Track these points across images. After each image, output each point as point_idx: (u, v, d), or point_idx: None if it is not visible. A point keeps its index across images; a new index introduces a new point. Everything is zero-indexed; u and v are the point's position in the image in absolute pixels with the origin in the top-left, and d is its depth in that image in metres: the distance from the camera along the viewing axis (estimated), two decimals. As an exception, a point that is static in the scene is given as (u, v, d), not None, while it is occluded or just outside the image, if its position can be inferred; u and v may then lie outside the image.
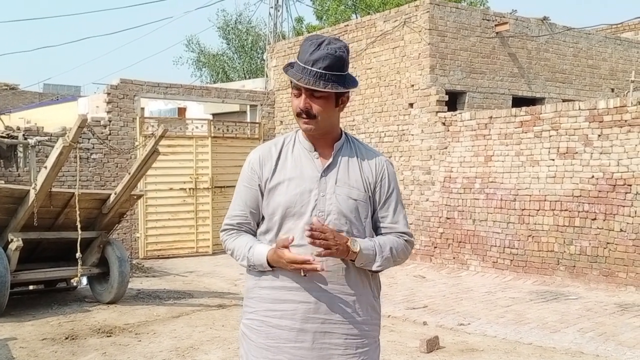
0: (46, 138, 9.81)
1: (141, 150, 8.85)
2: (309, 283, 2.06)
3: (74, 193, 6.75)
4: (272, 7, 20.79)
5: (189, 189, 11.62)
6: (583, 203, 7.99)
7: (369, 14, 19.03)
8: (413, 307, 7.02)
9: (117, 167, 11.05)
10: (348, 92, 2.12)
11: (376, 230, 2.19)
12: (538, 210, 8.49)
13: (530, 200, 8.59)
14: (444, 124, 9.75)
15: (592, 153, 7.93)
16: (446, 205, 9.71)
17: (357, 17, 22.89)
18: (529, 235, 8.58)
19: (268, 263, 2.07)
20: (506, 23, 10.64)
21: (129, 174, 7.09)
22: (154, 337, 5.77)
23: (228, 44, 28.56)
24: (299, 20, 27.48)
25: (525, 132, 8.68)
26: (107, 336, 5.81)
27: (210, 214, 11.73)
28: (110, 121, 11.10)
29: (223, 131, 12.20)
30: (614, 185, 7.69)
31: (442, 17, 10.09)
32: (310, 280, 2.06)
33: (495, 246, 8.99)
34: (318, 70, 2.02)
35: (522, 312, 6.71)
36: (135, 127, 11.23)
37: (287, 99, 12.92)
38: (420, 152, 10.13)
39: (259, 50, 26.95)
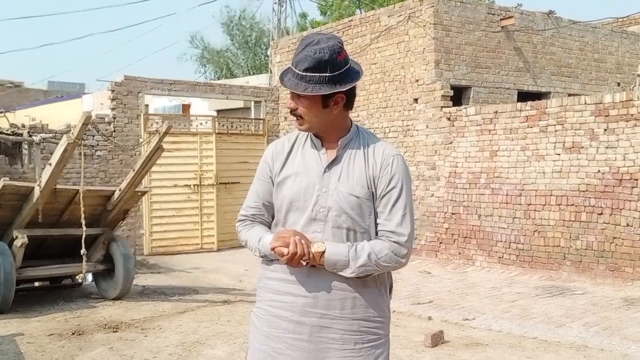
0: (51, 135, 9.83)
1: (145, 146, 8.87)
2: (309, 277, 2.08)
3: (78, 190, 6.76)
4: (275, 3, 20.77)
5: (194, 185, 11.63)
6: (589, 198, 7.96)
7: (373, 8, 18.98)
8: (418, 302, 7.02)
9: (121, 163, 11.07)
10: (337, 92, 2.05)
11: (376, 226, 2.16)
12: (544, 205, 8.46)
13: (536, 195, 8.55)
14: (449, 119, 9.72)
15: (598, 147, 7.89)
16: (451, 200, 9.69)
17: (361, 12, 22.83)
18: (535, 231, 8.55)
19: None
20: (511, 17, 10.58)
21: (134, 170, 7.10)
22: (160, 333, 5.78)
23: (232, 40, 28.58)
24: (303, 15, 27.48)
25: (531, 127, 8.64)
26: (114, 331, 5.83)
27: (215, 210, 11.74)
28: (114, 118, 11.11)
29: (227, 127, 12.20)
30: (620, 180, 7.65)
31: (446, 12, 10.05)
32: (311, 274, 2.08)
33: (501, 241, 8.97)
34: (299, 72, 2.03)
35: (527, 307, 6.69)
36: (139, 124, 11.24)
37: (291, 94, 12.90)
38: (425, 147, 10.10)
39: (263, 46, 26.95)
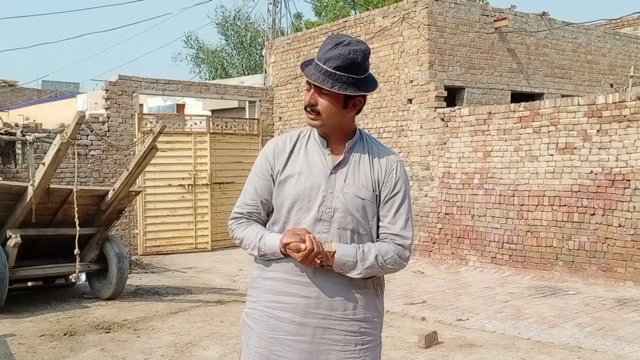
0: (44, 135, 9.80)
1: (140, 146, 8.84)
2: (313, 278, 2.07)
3: (72, 189, 6.74)
4: (270, 3, 20.76)
5: (188, 185, 11.61)
6: (582, 198, 7.99)
7: (367, 9, 19.00)
8: (412, 303, 7.03)
9: (115, 163, 11.04)
10: (360, 95, 2.10)
11: (377, 229, 2.17)
12: (537, 205, 8.49)
13: (529, 196, 8.59)
14: (442, 119, 9.74)
15: (591, 148, 7.93)
16: (445, 200, 9.71)
17: (355, 13, 22.85)
18: (528, 231, 8.58)
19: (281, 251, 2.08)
20: (505, 18, 10.61)
21: (128, 170, 7.08)
22: (153, 333, 5.77)
23: (227, 40, 28.52)
24: (298, 16, 27.46)
25: (524, 128, 8.67)
26: (106, 332, 5.81)
27: (209, 210, 11.73)
28: (108, 117, 11.08)
29: (222, 127, 12.19)
30: (613, 181, 7.69)
31: (440, 13, 10.07)
32: (314, 275, 2.06)
33: (494, 241, 9.00)
34: (328, 68, 2.03)
35: (520, 307, 6.71)
36: (133, 124, 11.22)
37: (285, 95, 12.90)
38: (419, 147, 10.12)
39: (258, 47, 26.91)
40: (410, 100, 10.28)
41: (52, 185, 6.79)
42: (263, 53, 15.84)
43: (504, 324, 6.04)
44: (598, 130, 7.85)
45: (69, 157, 9.17)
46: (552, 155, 8.34)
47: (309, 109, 2.10)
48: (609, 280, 7.68)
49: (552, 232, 8.29)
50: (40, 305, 6.96)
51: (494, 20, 10.63)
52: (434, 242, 9.89)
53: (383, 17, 10.75)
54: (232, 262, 10.22)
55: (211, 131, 11.83)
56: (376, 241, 2.14)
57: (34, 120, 11.53)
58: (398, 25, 10.43)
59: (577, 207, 8.04)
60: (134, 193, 7.68)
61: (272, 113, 13.11)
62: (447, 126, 9.68)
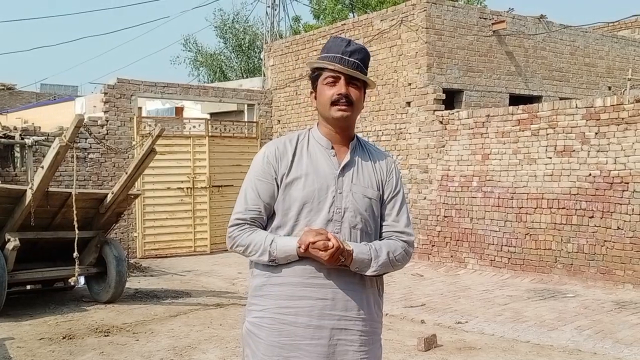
0: (43, 138, 9.80)
1: (138, 149, 8.84)
2: (327, 279, 2.07)
3: (71, 193, 6.74)
4: (269, 6, 20.78)
5: (187, 188, 11.61)
6: (580, 201, 8.00)
7: (366, 12, 19.03)
8: (411, 306, 7.03)
9: (114, 166, 11.03)
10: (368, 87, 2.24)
11: (380, 228, 2.21)
12: (535, 208, 8.50)
13: (527, 199, 8.60)
14: (441, 122, 9.76)
15: (589, 151, 7.94)
16: (444, 203, 9.72)
17: (354, 16, 22.87)
18: (527, 234, 8.59)
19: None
20: (503, 21, 10.64)
21: (126, 173, 7.08)
22: (152, 337, 5.77)
23: (225, 43, 28.53)
24: (296, 19, 27.48)
25: (523, 131, 8.69)
26: (105, 336, 5.80)
27: (208, 213, 11.73)
28: (107, 121, 11.08)
29: (220, 130, 12.19)
30: (611, 183, 7.70)
31: (439, 16, 10.09)
32: (329, 276, 2.06)
33: (493, 244, 9.00)
34: (355, 60, 2.12)
35: (519, 310, 6.72)
36: (132, 127, 11.22)
37: (284, 97, 12.91)
38: (418, 150, 10.14)
39: (256, 50, 26.92)
40: (408, 103, 10.29)
41: (50, 189, 6.80)
42: (262, 56, 15.85)
43: (503, 327, 6.04)
44: (596, 133, 7.87)
45: (67, 161, 9.16)
46: (550, 158, 8.36)
47: (343, 100, 2.12)
48: (607, 282, 7.69)
49: (551, 235, 8.30)
50: (39, 308, 6.95)
51: (492, 23, 10.66)
52: (432, 245, 9.89)
53: (381, 20, 10.77)
54: (231, 265, 10.21)
55: (210, 134, 11.84)
56: (381, 240, 2.18)
57: (33, 124, 11.51)
58: (396, 28, 10.45)
59: (576, 209, 8.05)
60: (132, 196, 7.68)
61: (271, 116, 13.11)
62: (446, 129, 9.69)
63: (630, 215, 7.50)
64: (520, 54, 11.11)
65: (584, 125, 8.00)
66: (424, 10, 9.96)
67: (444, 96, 9.98)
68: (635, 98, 7.62)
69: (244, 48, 27.54)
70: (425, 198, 10.02)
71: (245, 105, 13.44)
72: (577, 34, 12.05)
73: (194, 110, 16.55)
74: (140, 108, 13.33)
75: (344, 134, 2.20)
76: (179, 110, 17.50)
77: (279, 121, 12.97)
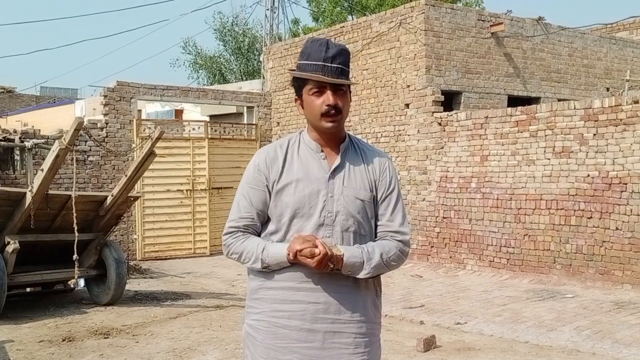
0: (43, 141, 9.81)
1: (138, 152, 8.86)
2: (318, 283, 2.06)
3: (70, 195, 6.75)
4: (268, 9, 20.80)
5: (186, 190, 11.62)
6: (579, 202, 8.02)
7: (364, 15, 19.05)
8: (410, 307, 7.04)
9: (114, 169, 11.05)
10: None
11: (375, 228, 2.19)
12: (534, 209, 8.51)
13: (526, 200, 8.61)
14: (440, 124, 9.78)
15: (587, 152, 7.96)
16: (443, 204, 9.73)
17: (353, 19, 22.92)
18: (525, 234, 8.60)
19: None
20: (501, 23, 10.67)
21: (126, 176, 7.09)
22: (152, 339, 5.78)
23: (225, 46, 28.56)
24: (295, 22, 27.55)
25: (521, 132, 8.71)
26: (105, 338, 5.81)
27: (207, 215, 11.74)
28: (107, 123, 11.10)
29: (220, 133, 12.21)
30: (610, 184, 7.72)
31: (437, 18, 10.12)
32: (320, 280, 2.06)
33: (492, 245, 9.02)
34: (338, 65, 2.07)
35: (518, 310, 6.73)
36: (132, 129, 11.23)
37: (283, 100, 12.93)
38: (417, 152, 10.15)
39: (256, 52, 26.94)
40: (407, 105, 10.31)
41: (50, 191, 6.81)
42: (261, 59, 15.87)
43: (502, 328, 6.05)
44: (594, 134, 7.89)
45: (67, 163, 9.17)
46: (549, 159, 8.38)
47: (332, 112, 2.07)
48: (606, 283, 7.70)
49: (550, 236, 8.32)
50: (38, 311, 6.96)
51: (490, 25, 10.68)
52: (432, 246, 9.91)
53: (380, 23, 10.80)
54: (231, 267, 10.22)
55: (209, 136, 11.86)
56: (375, 240, 2.16)
57: (32, 127, 11.53)
58: (395, 30, 10.47)
59: (574, 210, 8.06)
60: (132, 198, 7.70)
61: (270, 118, 13.14)
62: (445, 131, 9.71)
63: (628, 215, 7.52)
64: (518, 56, 11.14)
65: (582, 127, 8.02)
66: (423, 13, 9.99)
67: (442, 98, 10.00)
68: (634, 99, 7.65)
69: (243, 51, 27.58)
70: (424, 199, 10.04)
71: (245, 108, 13.46)
72: (575, 36, 12.08)
73: (194, 112, 16.57)
74: (139, 111, 13.34)
75: (334, 137, 2.17)
76: (179, 113, 17.53)
77: (278, 123, 12.99)
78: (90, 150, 10.80)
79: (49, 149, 6.82)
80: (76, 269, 6.67)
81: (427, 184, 10.00)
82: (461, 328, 6.12)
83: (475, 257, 9.24)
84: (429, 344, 5.34)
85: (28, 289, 7.96)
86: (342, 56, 2.09)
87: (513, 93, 11.07)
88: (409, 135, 10.29)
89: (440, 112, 9.87)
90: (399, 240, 2.15)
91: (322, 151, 2.15)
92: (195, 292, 8.20)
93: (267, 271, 2.10)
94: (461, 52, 10.36)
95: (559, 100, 10.97)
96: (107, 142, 10.79)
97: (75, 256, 6.60)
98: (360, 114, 11.16)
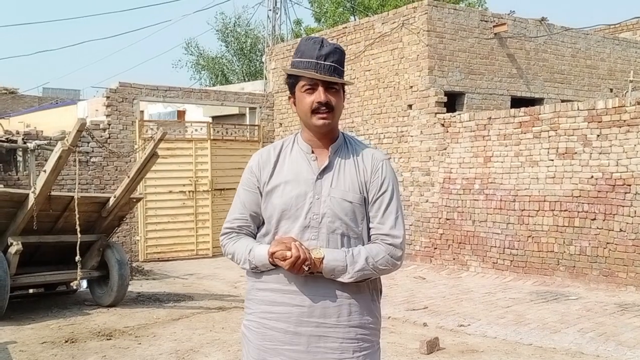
0: (45, 142, 9.83)
1: (140, 153, 8.86)
2: (304, 287, 2.05)
3: (73, 196, 6.75)
4: (270, 10, 20.81)
5: (189, 191, 11.62)
6: (582, 203, 7.99)
7: (367, 15, 19.05)
8: (413, 309, 7.02)
9: (116, 170, 11.05)
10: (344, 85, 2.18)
11: (368, 231, 2.14)
12: (537, 210, 8.49)
13: (529, 201, 8.59)
14: (443, 125, 9.76)
15: (591, 153, 7.94)
16: (446, 206, 9.71)
17: (355, 19, 22.92)
18: (529, 236, 8.58)
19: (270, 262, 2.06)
20: (504, 24, 10.65)
21: (129, 177, 7.09)
22: (154, 340, 5.77)
23: (227, 47, 28.57)
24: (298, 22, 27.53)
25: (525, 133, 8.68)
26: (107, 339, 5.81)
27: (210, 217, 11.73)
28: (109, 124, 11.10)
29: (222, 134, 12.21)
30: (614, 186, 7.69)
31: (440, 19, 10.11)
32: (305, 283, 2.05)
33: (495, 247, 8.99)
34: (331, 63, 2.07)
35: (522, 312, 6.71)
36: (134, 131, 11.24)
37: (286, 101, 12.91)
38: (420, 153, 10.14)
39: (258, 53, 26.95)
40: (410, 106, 10.30)
41: (53, 193, 6.81)
42: (263, 59, 15.88)
43: (506, 330, 6.03)
44: (598, 135, 7.87)
45: (70, 164, 9.18)
46: (552, 160, 8.35)
47: (323, 109, 2.07)
48: (610, 285, 7.67)
49: (553, 237, 8.29)
50: (41, 312, 6.96)
51: (494, 26, 10.67)
52: (435, 248, 9.89)
53: (382, 23, 10.78)
54: (233, 268, 10.19)
55: (212, 137, 11.86)
56: (368, 243, 2.11)
57: (35, 128, 11.55)
58: (397, 31, 10.46)
59: (578, 212, 8.04)
60: (135, 200, 7.69)
61: (273, 119, 13.13)
62: (448, 132, 9.69)
63: (632, 217, 7.49)
64: (521, 57, 11.11)
65: (585, 128, 7.99)
66: (425, 13, 9.97)
67: (445, 99, 9.98)
68: (637, 100, 7.62)
69: (245, 51, 27.59)
70: (427, 201, 10.02)
71: (247, 109, 13.46)
72: (578, 36, 12.05)
73: (196, 113, 16.59)
74: (142, 112, 13.35)
75: (326, 137, 2.15)
76: (181, 114, 17.54)
77: (280, 124, 12.99)
78: (92, 151, 10.81)
79: (52, 150, 6.82)
80: (79, 270, 6.67)
81: (430, 186, 9.98)
82: (464, 330, 6.10)
83: (479, 259, 9.21)
84: (432, 346, 5.32)
85: (31, 290, 7.96)
86: (336, 54, 2.08)
87: (516, 94, 11.05)
88: (411, 136, 10.27)
89: (443, 113, 9.86)
90: (389, 244, 2.08)
91: (313, 152, 2.14)
92: (197, 294, 8.19)
93: (257, 272, 2.12)
94: (464, 53, 10.34)
95: (562, 101, 10.94)
96: (109, 143, 10.80)
97: (77, 257, 6.60)
98: (362, 115, 11.14)
